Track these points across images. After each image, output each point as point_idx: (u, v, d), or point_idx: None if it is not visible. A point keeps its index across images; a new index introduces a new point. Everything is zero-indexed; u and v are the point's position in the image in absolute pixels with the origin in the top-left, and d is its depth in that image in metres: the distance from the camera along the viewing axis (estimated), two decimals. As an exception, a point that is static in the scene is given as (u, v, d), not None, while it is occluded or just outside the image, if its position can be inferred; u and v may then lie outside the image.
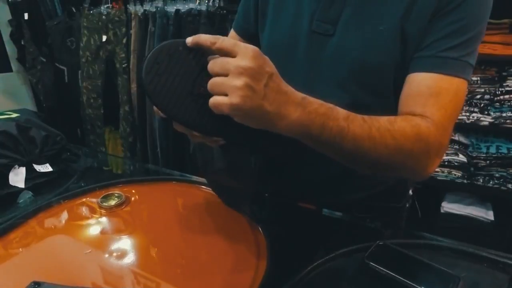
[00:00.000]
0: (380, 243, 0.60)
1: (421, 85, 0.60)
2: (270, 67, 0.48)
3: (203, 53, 0.51)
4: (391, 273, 0.54)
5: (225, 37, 0.49)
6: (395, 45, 0.63)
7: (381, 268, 0.55)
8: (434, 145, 0.57)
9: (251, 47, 0.47)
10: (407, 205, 1.97)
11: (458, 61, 0.59)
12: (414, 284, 0.51)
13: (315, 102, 0.52)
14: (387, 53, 0.64)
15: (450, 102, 0.59)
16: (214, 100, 0.47)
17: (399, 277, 0.53)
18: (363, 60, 0.65)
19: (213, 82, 0.48)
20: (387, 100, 0.68)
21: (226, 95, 0.47)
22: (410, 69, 0.63)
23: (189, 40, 0.50)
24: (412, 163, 0.58)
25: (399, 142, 0.55)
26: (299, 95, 0.51)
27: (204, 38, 0.49)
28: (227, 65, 0.47)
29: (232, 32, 0.90)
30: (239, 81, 0.46)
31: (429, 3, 0.60)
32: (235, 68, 0.46)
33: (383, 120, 0.55)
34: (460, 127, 1.73)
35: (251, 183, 0.61)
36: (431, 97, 0.59)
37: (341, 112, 0.53)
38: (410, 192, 1.91)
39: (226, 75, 0.47)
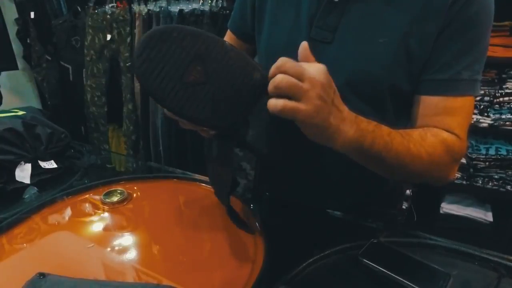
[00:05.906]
0: (374, 241, 0.61)
1: (438, 107, 0.64)
2: (333, 84, 0.50)
3: (196, 42, 0.50)
4: (384, 270, 0.55)
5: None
6: (395, 59, 0.63)
7: (374, 265, 0.56)
8: (457, 156, 0.64)
9: (320, 64, 0.48)
10: (405, 207, 1.96)
11: (470, 81, 0.63)
12: (405, 281, 0.52)
13: (364, 120, 0.54)
14: (385, 66, 0.64)
15: (465, 118, 0.65)
16: (286, 103, 0.45)
17: (391, 274, 0.54)
18: (359, 71, 0.65)
19: (288, 81, 0.45)
20: (385, 111, 0.69)
21: (289, 98, 0.45)
22: (422, 90, 0.65)
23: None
24: (439, 173, 0.65)
25: (431, 156, 0.60)
26: (353, 113, 0.53)
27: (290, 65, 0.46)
28: (303, 71, 0.45)
29: (228, 33, 0.87)
30: (315, 90, 0.46)
31: (435, 21, 0.60)
32: (310, 78, 0.45)
33: (416, 136, 0.61)
34: (460, 128, 1.73)
35: (228, 175, 0.59)
36: (448, 116, 0.64)
37: (384, 128, 0.57)
38: (409, 192, 1.92)
39: (299, 79, 0.45)
